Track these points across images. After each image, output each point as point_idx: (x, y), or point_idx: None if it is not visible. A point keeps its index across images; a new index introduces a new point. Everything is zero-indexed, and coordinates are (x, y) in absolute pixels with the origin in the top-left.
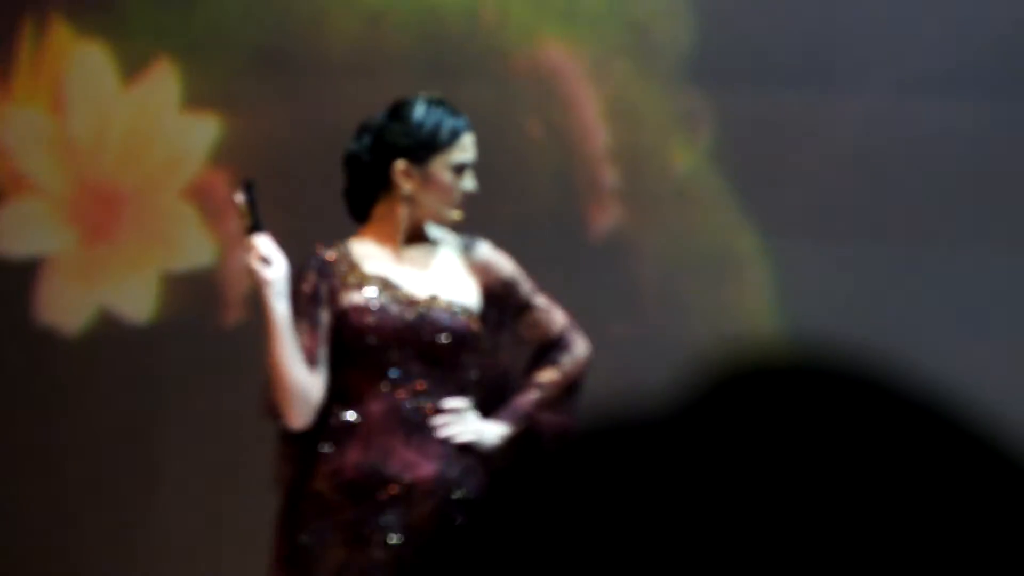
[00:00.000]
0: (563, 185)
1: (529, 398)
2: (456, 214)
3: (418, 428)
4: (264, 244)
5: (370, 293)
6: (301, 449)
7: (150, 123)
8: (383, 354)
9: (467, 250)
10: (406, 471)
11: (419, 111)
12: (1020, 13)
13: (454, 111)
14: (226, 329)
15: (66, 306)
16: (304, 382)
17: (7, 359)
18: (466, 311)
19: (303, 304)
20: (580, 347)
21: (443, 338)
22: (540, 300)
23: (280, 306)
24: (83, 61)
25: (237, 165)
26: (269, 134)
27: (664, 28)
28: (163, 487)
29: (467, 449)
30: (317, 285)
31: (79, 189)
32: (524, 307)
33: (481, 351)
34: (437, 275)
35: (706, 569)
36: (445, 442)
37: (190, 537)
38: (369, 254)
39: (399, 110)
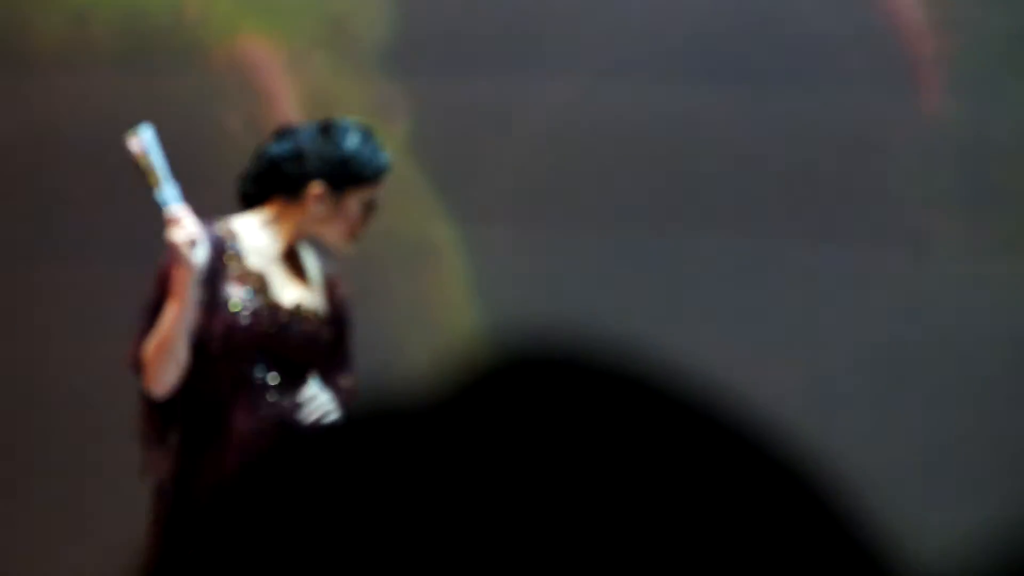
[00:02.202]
0: None
1: (338, 397)
2: (352, 247)
3: (285, 425)
4: (191, 221)
5: (248, 292)
6: (174, 444)
7: None
8: (247, 355)
9: (321, 263)
10: None
11: (352, 140)
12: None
13: (380, 147)
14: None
15: None
16: (183, 359)
17: None
18: (322, 321)
19: (171, 275)
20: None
21: (305, 346)
22: (352, 325)
23: (194, 293)
24: None
25: None
26: None
27: (362, 20)
28: None
29: None
30: (207, 261)
31: None
32: (343, 325)
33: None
34: (303, 283)
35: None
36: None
37: None
38: (254, 247)
39: (331, 131)
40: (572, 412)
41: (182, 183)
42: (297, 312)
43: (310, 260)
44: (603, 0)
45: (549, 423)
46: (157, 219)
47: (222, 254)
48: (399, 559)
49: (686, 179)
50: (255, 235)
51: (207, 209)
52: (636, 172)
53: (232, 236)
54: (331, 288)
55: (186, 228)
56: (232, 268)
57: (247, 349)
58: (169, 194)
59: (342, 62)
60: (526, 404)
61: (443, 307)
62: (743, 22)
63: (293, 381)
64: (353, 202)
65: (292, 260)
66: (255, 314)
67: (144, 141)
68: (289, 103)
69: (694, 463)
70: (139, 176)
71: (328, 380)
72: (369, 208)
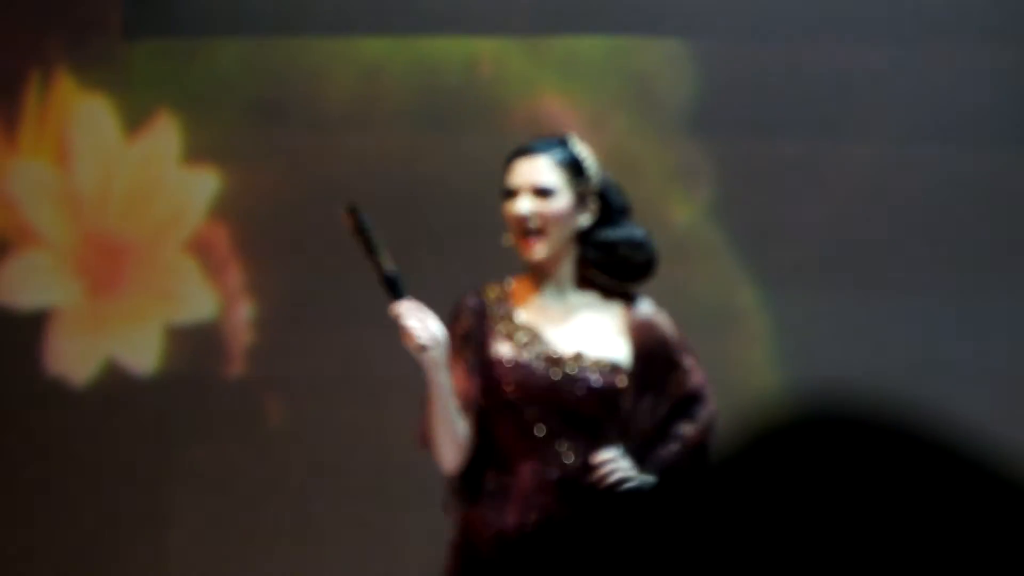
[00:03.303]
0: None
1: (671, 449)
2: (506, 239)
3: (570, 486)
4: (411, 314)
5: (517, 347)
6: (466, 499)
7: (152, 176)
8: (526, 412)
9: (628, 307)
10: None
11: None
12: (1021, 60)
13: (530, 142)
14: (228, 381)
15: (74, 357)
16: (458, 432)
17: (17, 409)
18: (613, 369)
19: (458, 344)
20: (711, 405)
21: (587, 398)
22: (687, 360)
23: (440, 378)
24: (87, 114)
25: (237, 218)
26: (268, 187)
27: (663, 80)
28: (169, 535)
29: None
30: (471, 327)
31: (84, 241)
32: (672, 367)
33: (628, 407)
34: (587, 329)
35: None
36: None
37: None
38: (524, 300)
39: None
40: (866, 473)
41: (480, 242)
42: (577, 361)
43: (609, 309)
44: (909, 61)
45: (844, 483)
46: (448, 279)
47: (485, 318)
48: None
49: (993, 245)
50: (523, 287)
51: (505, 269)
52: (942, 237)
53: (503, 296)
54: (644, 332)
55: (406, 321)
56: (501, 328)
57: (525, 404)
58: (393, 288)
59: (644, 122)
60: (818, 464)
61: (746, 370)
62: None
63: (585, 436)
64: (504, 203)
65: (576, 309)
66: (527, 367)
67: (357, 223)
68: None
69: (982, 525)
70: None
71: (665, 429)
72: (513, 197)
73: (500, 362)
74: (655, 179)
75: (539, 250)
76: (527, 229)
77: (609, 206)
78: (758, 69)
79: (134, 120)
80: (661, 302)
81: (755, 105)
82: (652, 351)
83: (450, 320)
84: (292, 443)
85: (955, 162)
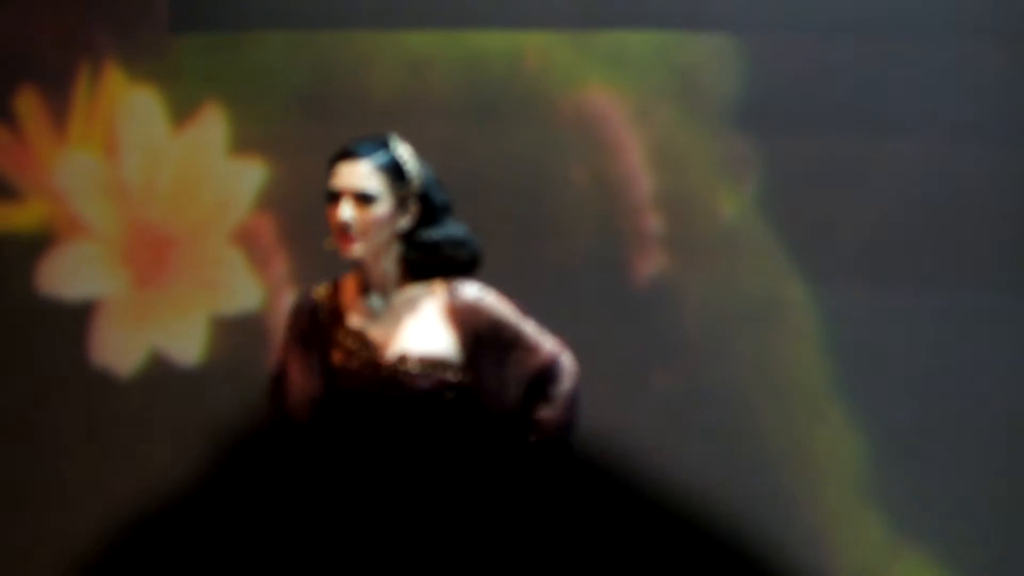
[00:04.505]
0: (607, 231)
1: (531, 440)
2: (327, 243)
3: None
4: None
5: (345, 354)
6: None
7: (199, 167)
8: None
9: (450, 295)
10: None
11: None
12: None
13: (353, 144)
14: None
15: (120, 348)
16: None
17: (64, 399)
18: (440, 365)
19: (294, 345)
20: (567, 379)
21: (416, 400)
22: (526, 337)
23: None
24: (135, 106)
25: (283, 210)
26: (314, 179)
27: (711, 73)
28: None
29: None
30: (307, 328)
31: (131, 232)
32: (510, 347)
33: (473, 394)
34: (411, 328)
35: None
36: None
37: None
38: (352, 303)
39: None
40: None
41: (525, 235)
42: (401, 364)
43: (432, 299)
44: (959, 57)
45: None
46: (492, 273)
47: (317, 319)
48: None
49: None
50: (353, 293)
51: (544, 264)
52: (992, 234)
53: (332, 298)
54: (466, 316)
55: None
56: (332, 333)
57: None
58: None
59: (690, 115)
60: None
61: (791, 366)
62: None
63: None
64: (328, 206)
65: (396, 309)
66: (356, 376)
67: None
68: (636, 156)
69: None
70: None
71: (526, 414)
72: (335, 201)
73: (332, 369)
74: (702, 172)
75: (356, 249)
76: (347, 234)
77: (431, 205)
78: (805, 64)
79: (181, 112)
80: (707, 296)
81: (802, 99)
82: (480, 335)
83: (287, 320)
84: None
85: (1006, 160)
